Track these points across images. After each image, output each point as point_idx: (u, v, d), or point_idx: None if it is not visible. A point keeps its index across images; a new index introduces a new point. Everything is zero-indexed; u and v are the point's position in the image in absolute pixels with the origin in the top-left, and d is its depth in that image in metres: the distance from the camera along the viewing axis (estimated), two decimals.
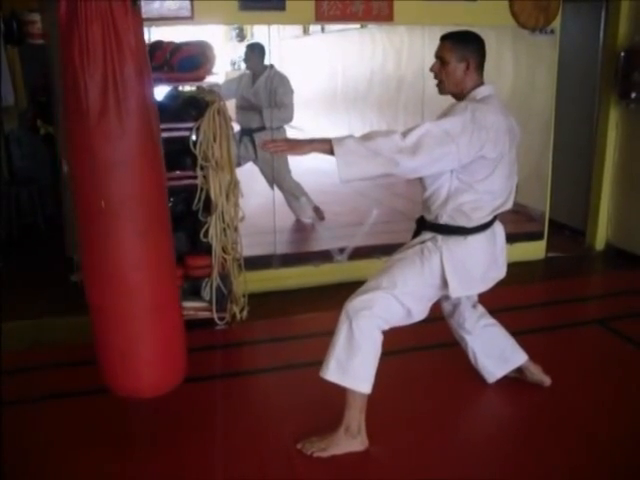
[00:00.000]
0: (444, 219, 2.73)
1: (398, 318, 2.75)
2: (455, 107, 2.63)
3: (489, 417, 3.21)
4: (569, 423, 3.03)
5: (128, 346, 2.54)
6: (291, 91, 5.47)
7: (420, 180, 2.76)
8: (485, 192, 2.69)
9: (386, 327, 2.72)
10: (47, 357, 3.70)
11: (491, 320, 3.20)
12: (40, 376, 3.50)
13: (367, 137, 2.54)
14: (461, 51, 2.67)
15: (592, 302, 4.73)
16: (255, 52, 5.47)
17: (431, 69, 2.76)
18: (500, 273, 2.91)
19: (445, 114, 2.64)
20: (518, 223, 5.73)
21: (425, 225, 2.84)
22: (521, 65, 5.64)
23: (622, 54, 5.13)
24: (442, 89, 2.77)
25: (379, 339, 2.70)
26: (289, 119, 5.51)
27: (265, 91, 5.45)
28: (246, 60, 5.59)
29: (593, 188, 5.62)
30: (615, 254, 5.51)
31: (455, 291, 2.76)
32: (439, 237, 2.74)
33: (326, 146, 2.53)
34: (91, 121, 2.31)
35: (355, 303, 2.69)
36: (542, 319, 4.25)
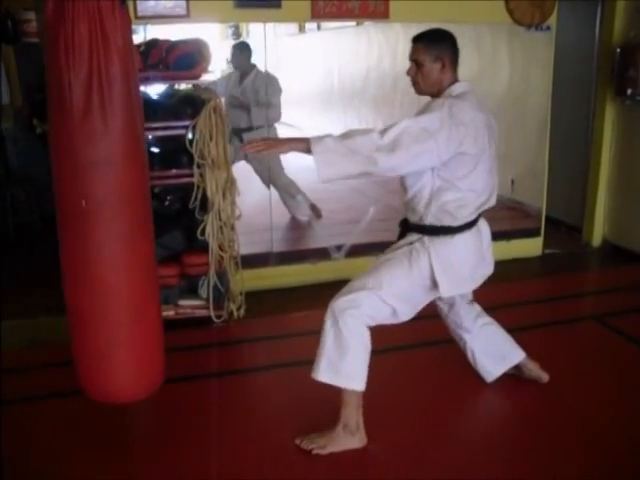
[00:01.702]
0: (429, 219, 2.72)
1: (383, 317, 2.74)
2: (432, 104, 2.64)
3: (487, 414, 3.22)
4: (566, 420, 3.04)
5: (103, 350, 2.49)
6: (279, 90, 5.46)
7: (402, 181, 2.76)
8: (468, 190, 2.68)
9: (373, 324, 2.71)
10: (44, 356, 3.70)
11: (488, 319, 3.20)
12: (38, 375, 3.50)
13: (345, 136, 2.54)
14: (435, 51, 2.66)
15: (589, 298, 4.74)
16: (241, 51, 5.49)
17: (407, 73, 2.74)
18: (488, 270, 2.91)
19: (422, 111, 2.64)
20: (515, 220, 5.74)
21: (409, 227, 2.83)
22: (517, 62, 5.64)
23: (618, 50, 5.13)
24: (419, 90, 2.76)
25: (367, 335, 2.70)
26: (277, 118, 5.50)
27: (252, 90, 5.45)
28: (232, 59, 5.58)
29: (589, 185, 5.63)
30: (612, 250, 5.52)
31: (446, 291, 2.76)
32: (426, 238, 2.74)
33: (304, 145, 2.53)
34: (74, 120, 2.29)
35: (341, 302, 2.68)
36: (539, 315, 4.25)
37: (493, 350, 3.21)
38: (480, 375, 3.26)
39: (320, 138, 2.52)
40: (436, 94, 2.72)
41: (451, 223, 2.71)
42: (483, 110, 2.71)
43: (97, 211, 2.37)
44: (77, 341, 2.53)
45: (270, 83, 5.43)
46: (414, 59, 2.70)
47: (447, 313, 3.17)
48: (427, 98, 2.79)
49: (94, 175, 2.35)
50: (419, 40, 2.70)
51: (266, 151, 2.65)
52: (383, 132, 2.51)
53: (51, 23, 2.25)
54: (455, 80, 2.73)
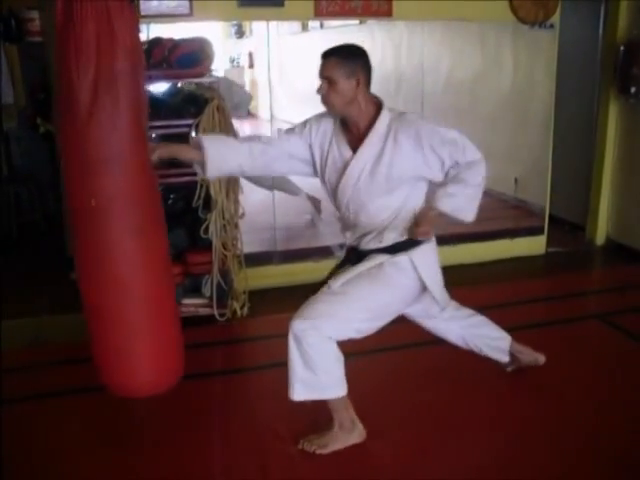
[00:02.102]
0: (398, 237, 2.68)
1: (346, 337, 2.66)
2: (412, 132, 2.55)
3: (488, 413, 3.20)
4: (569, 418, 3.03)
5: (122, 346, 2.53)
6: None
7: (376, 211, 2.68)
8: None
9: (336, 340, 2.63)
10: (47, 355, 3.70)
11: (467, 311, 3.13)
12: (40, 374, 3.50)
13: (455, 186, 2.61)
14: (348, 67, 2.51)
15: (592, 297, 4.74)
16: None
17: (318, 92, 2.57)
18: None
19: (414, 145, 2.55)
20: (518, 218, 5.74)
21: (370, 251, 2.74)
22: (520, 60, 5.63)
23: (622, 48, 5.12)
24: (334, 111, 2.61)
25: (333, 347, 2.62)
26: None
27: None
28: None
29: (593, 183, 5.62)
30: (615, 249, 5.51)
31: (441, 301, 2.80)
32: (403, 256, 2.67)
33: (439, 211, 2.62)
34: (82, 118, 2.30)
35: (300, 324, 2.59)
36: (542, 314, 4.25)
37: (480, 341, 3.15)
38: (496, 362, 3.21)
39: (450, 203, 2.60)
40: (354, 115, 2.60)
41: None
42: None
43: (108, 209, 2.39)
44: (96, 338, 2.56)
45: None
46: (325, 76, 2.53)
47: (425, 318, 3.08)
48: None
49: (103, 173, 2.37)
50: (330, 55, 2.54)
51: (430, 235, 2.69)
52: (465, 160, 2.58)
53: (61, 23, 2.27)
54: (375, 102, 2.63)
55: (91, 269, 2.49)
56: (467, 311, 3.13)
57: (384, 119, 2.59)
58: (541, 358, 3.27)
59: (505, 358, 3.22)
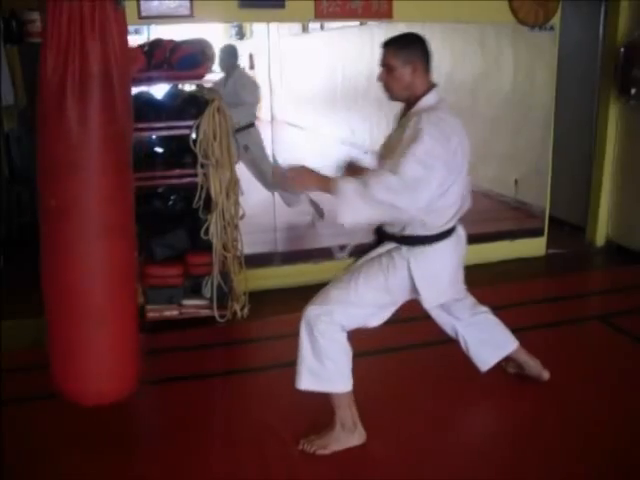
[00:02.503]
0: (408, 230, 2.70)
1: (357, 323, 2.73)
2: (419, 124, 2.54)
3: (488, 414, 3.21)
4: (569, 419, 3.03)
5: (66, 351, 2.50)
6: (254, 89, 5.52)
7: None
8: (449, 198, 2.64)
9: (348, 329, 2.70)
10: (47, 356, 3.69)
11: (481, 307, 3.18)
12: (40, 375, 3.48)
13: (365, 184, 2.48)
14: (405, 55, 2.64)
15: (592, 298, 4.74)
16: (228, 53, 5.49)
17: (378, 79, 2.72)
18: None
19: (412, 135, 2.53)
20: (518, 220, 5.74)
21: (386, 236, 2.79)
22: (521, 62, 5.64)
23: (622, 50, 5.12)
24: (392, 96, 2.73)
25: (344, 339, 2.69)
26: (247, 118, 5.51)
27: (233, 92, 5.45)
28: (220, 61, 5.60)
29: (593, 184, 5.62)
30: (615, 250, 5.51)
31: (429, 302, 2.78)
32: (404, 248, 2.71)
33: (328, 187, 2.52)
34: (50, 119, 2.31)
35: (314, 310, 2.67)
36: (543, 315, 4.24)
37: (487, 338, 3.17)
38: (474, 364, 3.22)
39: (344, 188, 2.49)
40: (410, 100, 2.68)
41: (425, 233, 2.69)
42: (456, 118, 2.69)
43: (67, 212, 2.36)
44: (48, 341, 2.53)
45: (243, 82, 5.45)
46: (385, 63, 2.69)
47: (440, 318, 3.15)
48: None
49: (65, 176, 2.35)
50: (389, 44, 2.69)
51: (296, 183, 2.64)
52: (397, 175, 2.45)
53: (45, 25, 2.27)
54: (429, 86, 2.69)
55: (46, 271, 2.46)
56: (482, 308, 3.18)
57: (421, 105, 2.66)
58: (545, 374, 3.25)
59: (484, 368, 3.23)
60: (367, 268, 2.76)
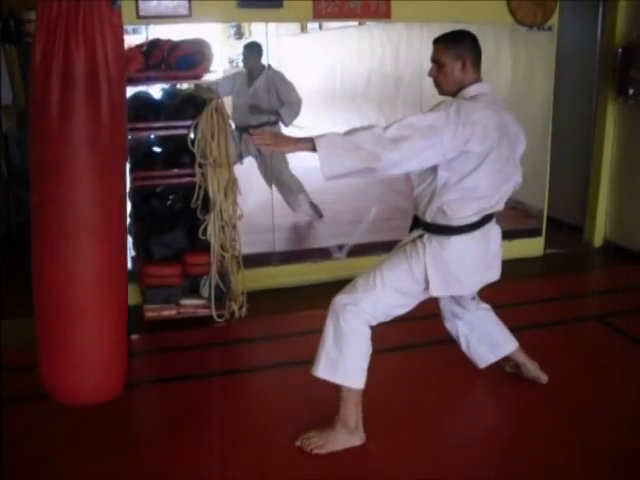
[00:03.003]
0: (429, 217, 2.73)
1: (384, 313, 2.76)
2: (441, 104, 2.64)
3: (487, 414, 3.22)
4: (567, 420, 3.04)
5: (45, 351, 2.54)
6: (293, 87, 5.47)
7: (409, 179, 2.77)
8: (471, 188, 2.65)
9: (373, 323, 2.73)
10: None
11: (483, 305, 3.19)
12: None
13: (349, 132, 2.55)
14: (455, 51, 2.69)
15: (590, 298, 4.75)
16: (253, 51, 5.42)
17: (429, 74, 2.77)
18: (493, 275, 2.90)
19: (430, 110, 2.66)
20: (516, 220, 5.73)
21: (417, 222, 2.84)
22: (519, 62, 5.63)
23: (620, 51, 5.13)
24: (442, 91, 2.78)
25: (367, 334, 2.72)
26: (298, 114, 5.50)
27: (265, 91, 5.42)
28: (244, 60, 5.56)
29: (591, 184, 5.63)
30: (613, 250, 5.52)
31: (435, 290, 2.75)
32: (425, 235, 2.74)
33: (309, 144, 2.52)
34: (34, 117, 2.35)
35: (342, 299, 2.71)
36: (540, 315, 4.25)
37: (487, 337, 3.19)
38: (473, 362, 3.24)
39: (323, 134, 2.52)
40: (456, 93, 2.73)
41: (447, 223, 2.69)
42: (500, 111, 2.70)
43: (46, 209, 2.41)
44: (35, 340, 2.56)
45: (284, 82, 5.42)
46: (435, 59, 2.74)
47: (446, 302, 3.16)
48: (434, 97, 2.80)
49: (44, 174, 2.39)
50: (440, 41, 2.74)
51: (273, 147, 2.67)
52: (387, 127, 2.52)
53: (39, 22, 2.29)
54: (476, 80, 2.73)
55: (33, 267, 2.51)
56: (484, 305, 3.21)
57: (459, 95, 2.70)
58: (543, 378, 3.26)
59: (482, 365, 3.26)
60: (393, 256, 2.81)
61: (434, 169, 2.63)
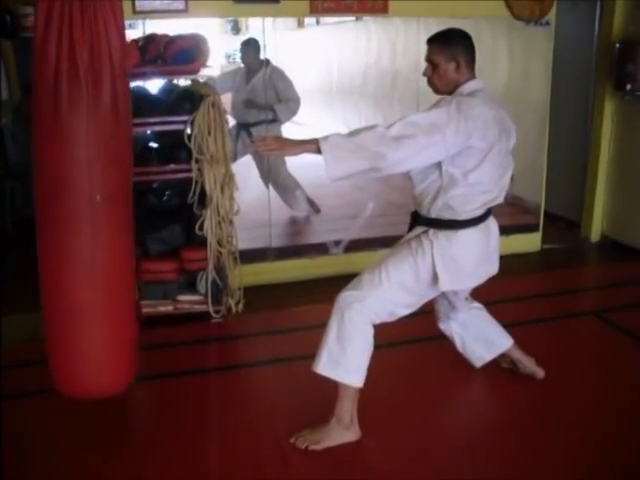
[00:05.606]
0: (434, 213, 2.73)
1: (388, 311, 2.75)
2: (441, 101, 2.65)
3: (484, 410, 3.22)
4: (564, 415, 3.04)
5: (52, 347, 2.57)
6: (292, 84, 5.46)
7: (410, 177, 2.76)
8: (475, 183, 2.66)
9: (377, 321, 2.73)
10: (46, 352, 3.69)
11: (476, 304, 3.20)
12: (39, 370, 3.48)
13: (352, 133, 2.55)
14: (448, 51, 2.68)
15: (587, 293, 4.75)
16: (250, 48, 5.40)
17: (424, 74, 2.77)
18: (493, 269, 2.90)
19: (431, 107, 2.66)
20: (513, 215, 5.73)
21: (418, 219, 2.83)
22: (516, 57, 5.63)
23: (617, 46, 5.12)
24: (436, 90, 2.78)
25: (370, 332, 2.71)
26: (296, 111, 5.49)
27: (263, 87, 5.40)
28: (242, 56, 5.54)
29: (588, 180, 5.63)
30: (610, 246, 5.52)
31: (446, 285, 2.74)
32: (431, 231, 2.74)
33: (313, 145, 2.52)
34: (38, 110, 2.36)
35: (347, 295, 2.70)
36: (537, 310, 4.25)
37: (482, 335, 3.20)
38: (469, 361, 3.25)
39: (327, 136, 2.53)
40: (452, 92, 2.73)
41: (453, 217, 2.70)
42: (495, 106, 2.71)
43: (46, 203, 2.44)
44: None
45: (282, 78, 5.40)
46: (429, 60, 2.73)
47: (440, 304, 3.17)
48: (431, 93, 2.80)
49: (41, 170, 2.42)
50: (433, 41, 2.73)
51: (278, 152, 2.66)
52: (389, 126, 2.52)
53: (41, 18, 2.29)
54: (471, 77, 2.73)
55: (41, 261, 2.53)
56: (476, 304, 3.22)
57: (456, 92, 2.70)
58: (540, 373, 3.26)
59: (479, 364, 3.27)
60: (397, 252, 2.80)
61: (437, 166, 2.64)
